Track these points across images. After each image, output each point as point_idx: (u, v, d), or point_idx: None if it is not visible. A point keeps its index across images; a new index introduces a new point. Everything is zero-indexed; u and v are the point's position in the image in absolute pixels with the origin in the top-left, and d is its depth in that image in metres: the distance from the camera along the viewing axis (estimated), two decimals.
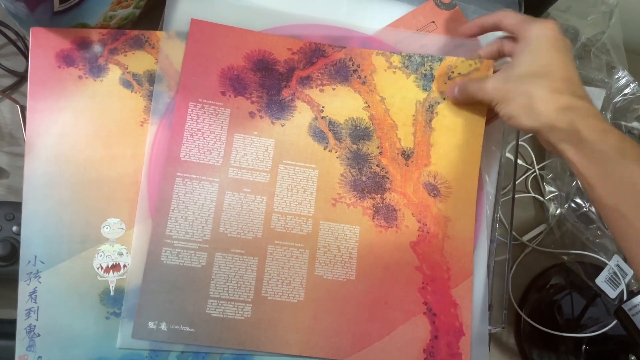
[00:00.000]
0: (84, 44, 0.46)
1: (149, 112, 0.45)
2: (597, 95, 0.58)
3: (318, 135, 0.39)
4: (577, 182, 0.57)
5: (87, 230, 0.43)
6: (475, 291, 0.45)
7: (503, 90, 0.42)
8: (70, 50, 0.46)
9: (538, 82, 0.40)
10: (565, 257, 0.56)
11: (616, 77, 0.60)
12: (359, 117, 0.38)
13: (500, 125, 0.51)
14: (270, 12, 0.49)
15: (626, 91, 0.59)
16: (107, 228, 0.43)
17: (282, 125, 0.41)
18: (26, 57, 0.53)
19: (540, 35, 0.42)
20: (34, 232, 0.43)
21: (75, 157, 0.44)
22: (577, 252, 0.56)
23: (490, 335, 0.46)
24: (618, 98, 0.60)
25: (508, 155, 0.52)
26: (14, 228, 0.45)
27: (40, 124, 0.44)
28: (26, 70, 0.53)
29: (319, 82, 0.39)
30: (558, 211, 0.58)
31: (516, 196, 0.52)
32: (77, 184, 0.44)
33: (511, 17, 0.44)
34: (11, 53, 0.54)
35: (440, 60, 0.43)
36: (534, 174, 0.59)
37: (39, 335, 0.41)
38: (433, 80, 0.40)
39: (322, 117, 0.38)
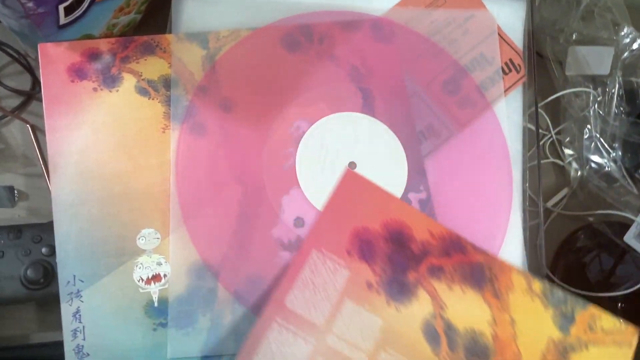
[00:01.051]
0: (94, 55, 0.45)
1: (169, 117, 0.45)
2: (607, 53, 0.57)
3: (431, 335, 0.34)
4: (595, 142, 0.57)
5: (123, 243, 0.42)
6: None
7: None
8: (81, 63, 0.44)
9: None
10: (591, 219, 0.57)
11: (622, 34, 0.60)
12: (480, 331, 0.33)
13: (519, 92, 0.51)
14: (277, 4, 0.48)
15: (634, 47, 0.59)
16: (142, 240, 0.43)
17: (397, 310, 0.36)
18: (32, 73, 0.51)
19: None
20: (69, 252, 0.42)
21: (100, 172, 0.43)
22: (602, 212, 0.56)
23: None
24: (626, 55, 0.60)
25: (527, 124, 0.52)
26: (43, 250, 0.45)
27: (62, 142, 0.43)
28: (32, 88, 0.52)
29: (449, 277, 0.35)
30: (579, 173, 0.58)
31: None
32: (105, 199, 0.43)
33: None
34: (14, 72, 0.53)
35: (584, 307, 0.36)
36: (551, 139, 0.59)
37: (88, 354, 0.41)
38: (573, 324, 0.34)
39: (442, 317, 0.33)
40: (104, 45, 0.45)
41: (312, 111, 0.47)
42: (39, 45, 0.44)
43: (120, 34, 0.51)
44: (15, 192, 0.50)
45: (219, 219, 0.44)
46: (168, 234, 0.43)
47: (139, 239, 0.43)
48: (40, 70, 0.44)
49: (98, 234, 0.42)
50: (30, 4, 0.40)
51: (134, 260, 0.42)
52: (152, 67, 0.45)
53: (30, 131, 0.51)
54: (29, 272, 0.44)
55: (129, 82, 0.45)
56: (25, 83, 0.52)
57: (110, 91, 0.44)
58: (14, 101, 0.52)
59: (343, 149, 0.47)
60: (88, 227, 0.42)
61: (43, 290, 0.44)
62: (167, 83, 0.45)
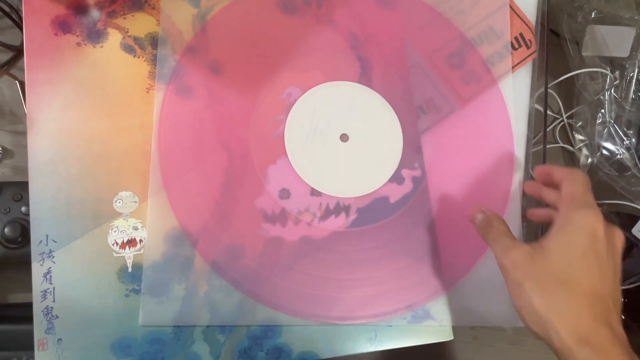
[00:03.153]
0: (80, 8, 0.43)
1: (154, 77, 0.43)
2: (627, 34, 0.54)
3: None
4: (608, 128, 0.54)
5: (99, 205, 0.41)
6: None
7: (523, 275, 0.35)
8: (66, 15, 0.43)
9: (562, 294, 0.34)
10: (599, 208, 0.54)
11: None
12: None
13: (528, 72, 0.48)
14: None
15: None
16: (119, 202, 0.41)
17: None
18: (21, 29, 0.50)
19: (581, 227, 0.36)
20: (43, 211, 0.40)
21: (80, 130, 0.42)
22: (612, 202, 0.53)
23: None
24: None
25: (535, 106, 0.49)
26: (23, 208, 0.43)
27: (41, 97, 0.42)
28: (22, 44, 0.50)
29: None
30: (589, 160, 0.55)
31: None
32: (84, 158, 0.41)
33: (551, 196, 0.40)
34: (5, 27, 0.51)
35: None
36: (562, 123, 0.56)
37: (57, 317, 0.40)
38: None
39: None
40: None
41: (305, 78, 0.45)
42: None
43: None
44: (0, 149, 0.49)
45: (201, 186, 0.42)
46: (146, 198, 0.41)
47: (116, 201, 0.41)
48: (24, 22, 0.42)
49: (74, 194, 0.41)
50: None
51: (109, 223, 0.41)
52: (140, 23, 0.43)
53: (19, 88, 0.49)
54: (6, 230, 0.43)
55: (114, 38, 0.43)
56: (15, 38, 0.50)
57: (95, 47, 0.43)
58: (3, 56, 0.51)
59: (335, 119, 0.44)
60: (65, 187, 0.41)
61: (21, 249, 0.43)
62: (154, 41, 0.43)
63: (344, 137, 0.45)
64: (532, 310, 0.34)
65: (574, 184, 0.38)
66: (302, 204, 0.43)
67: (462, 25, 0.47)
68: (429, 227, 0.44)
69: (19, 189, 0.44)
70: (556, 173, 0.40)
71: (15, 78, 0.49)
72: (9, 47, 0.50)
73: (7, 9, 0.50)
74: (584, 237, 0.35)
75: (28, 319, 0.41)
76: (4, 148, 0.49)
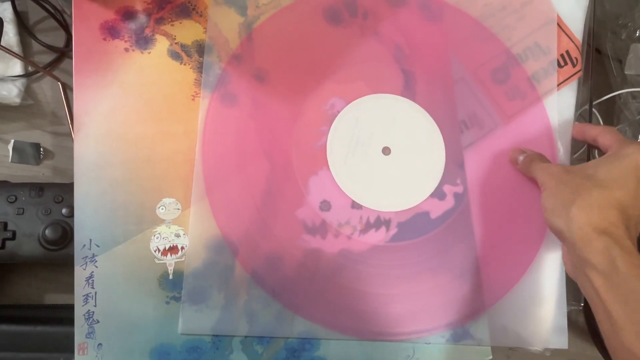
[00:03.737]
0: (128, 14, 0.43)
1: (200, 85, 0.43)
2: None
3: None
4: None
5: (142, 211, 0.41)
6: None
7: (559, 180, 0.39)
8: (114, 21, 0.43)
9: (593, 192, 0.36)
10: None
11: None
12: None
13: (573, 90, 0.47)
14: None
15: None
16: (162, 209, 0.41)
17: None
18: (67, 30, 0.50)
19: (630, 158, 0.38)
20: (88, 214, 0.41)
21: (126, 134, 0.42)
22: None
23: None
24: None
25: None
26: (64, 210, 0.44)
27: (89, 100, 0.42)
28: (66, 46, 0.51)
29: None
30: None
31: None
32: (129, 162, 0.41)
33: (608, 136, 0.42)
34: (49, 28, 0.51)
35: None
36: None
37: (98, 321, 0.40)
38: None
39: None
40: (139, 4, 0.43)
41: (349, 89, 0.44)
42: (73, 0, 0.43)
43: None
44: (41, 149, 0.49)
45: (243, 194, 0.42)
46: (189, 205, 0.41)
47: (159, 207, 0.41)
48: (73, 26, 0.42)
49: (119, 198, 0.41)
50: None
51: (152, 229, 0.41)
52: (187, 30, 0.43)
53: (61, 89, 0.49)
54: (47, 231, 0.43)
55: (161, 44, 0.43)
56: (59, 40, 0.51)
57: (142, 52, 0.43)
58: (47, 57, 0.51)
59: (378, 132, 0.44)
60: (109, 191, 0.41)
61: (60, 251, 0.43)
62: (200, 49, 0.43)
63: (386, 150, 0.44)
64: (559, 202, 0.37)
65: (612, 131, 0.42)
66: (342, 217, 0.43)
67: (507, 40, 0.47)
68: (470, 244, 0.44)
69: (60, 191, 0.44)
70: (589, 131, 0.44)
71: (58, 79, 0.49)
72: (52, 48, 0.51)
73: (52, 10, 0.51)
74: (629, 163, 0.37)
75: (66, 320, 0.41)
76: (45, 149, 0.49)
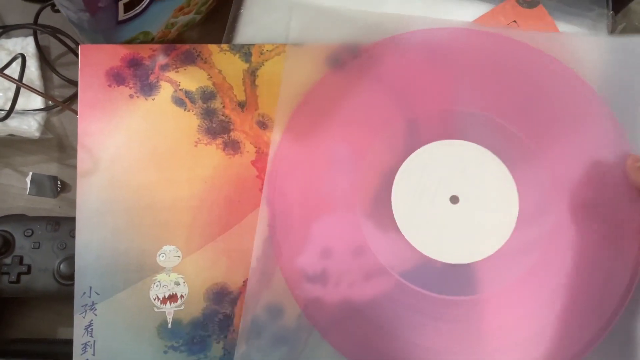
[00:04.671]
0: (134, 61, 0.44)
1: (203, 131, 0.43)
2: None
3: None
4: None
5: (143, 259, 0.41)
6: None
7: None
8: (120, 67, 0.43)
9: None
10: None
11: None
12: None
13: None
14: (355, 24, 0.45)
15: None
16: (162, 256, 0.41)
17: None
18: None
19: None
20: (89, 262, 0.41)
21: (129, 181, 0.42)
22: None
23: None
24: None
25: None
26: None
27: (92, 147, 0.42)
28: None
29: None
30: None
31: None
32: (132, 210, 0.41)
33: None
34: (70, 62, 0.53)
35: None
36: None
37: None
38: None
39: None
40: (145, 51, 0.44)
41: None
42: (80, 46, 0.43)
43: (179, 33, 0.50)
44: (59, 182, 0.50)
45: (243, 242, 0.42)
46: (190, 252, 0.41)
47: (159, 255, 0.41)
48: (79, 73, 0.43)
49: (120, 246, 0.41)
50: None
51: (152, 277, 0.41)
52: (191, 77, 0.44)
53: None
54: (62, 266, 0.43)
55: (166, 91, 0.43)
56: (76, 74, 0.52)
57: (147, 99, 0.43)
58: (68, 91, 0.52)
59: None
60: (111, 238, 0.41)
61: (73, 286, 0.43)
62: (204, 95, 0.44)
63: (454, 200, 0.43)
64: None
65: None
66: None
67: None
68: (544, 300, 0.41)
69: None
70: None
71: (77, 113, 0.50)
72: (72, 82, 0.52)
73: (73, 45, 0.52)
74: None
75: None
76: (62, 182, 0.50)
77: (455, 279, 0.42)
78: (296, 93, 0.44)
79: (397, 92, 0.45)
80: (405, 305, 0.41)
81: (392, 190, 0.43)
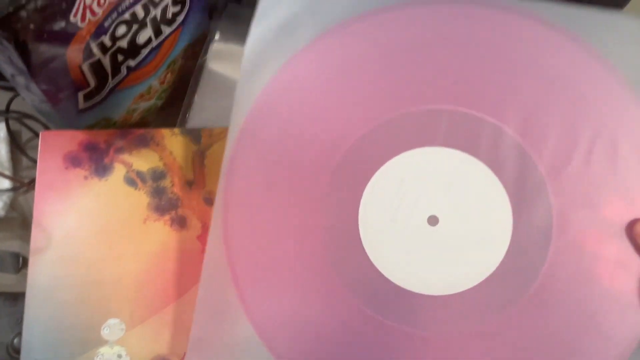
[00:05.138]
0: (90, 145, 0.47)
1: (153, 208, 0.46)
2: None
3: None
4: None
5: (88, 333, 0.43)
6: None
7: None
8: (77, 151, 0.47)
9: None
10: None
11: None
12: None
13: None
14: None
15: None
16: (106, 329, 0.43)
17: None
18: None
19: None
20: (35, 336, 0.42)
21: (79, 258, 0.44)
22: None
23: None
24: None
25: None
26: None
27: (47, 226, 0.45)
28: None
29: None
30: None
31: None
32: (80, 285, 0.44)
33: None
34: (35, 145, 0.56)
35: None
36: None
37: None
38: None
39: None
40: (101, 136, 0.47)
41: None
42: (40, 133, 0.47)
43: (141, 118, 0.54)
44: (20, 259, 0.52)
45: (184, 317, 0.44)
46: (134, 325, 0.43)
47: (104, 328, 0.43)
48: (38, 157, 0.46)
49: (66, 320, 0.43)
50: (49, 90, 0.43)
51: (95, 349, 0.42)
52: (144, 158, 0.47)
53: None
54: (15, 341, 0.45)
55: (119, 172, 0.47)
56: None
57: (100, 180, 0.46)
58: (35, 172, 0.55)
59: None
60: (58, 314, 0.43)
61: None
62: (155, 175, 0.47)
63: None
64: None
65: None
66: None
67: None
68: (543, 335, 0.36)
69: None
70: None
71: None
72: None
73: (42, 128, 0.56)
74: None
75: None
76: (24, 258, 0.52)
77: (418, 309, 0.37)
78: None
79: (361, 90, 0.38)
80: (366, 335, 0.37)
81: (359, 213, 0.38)
